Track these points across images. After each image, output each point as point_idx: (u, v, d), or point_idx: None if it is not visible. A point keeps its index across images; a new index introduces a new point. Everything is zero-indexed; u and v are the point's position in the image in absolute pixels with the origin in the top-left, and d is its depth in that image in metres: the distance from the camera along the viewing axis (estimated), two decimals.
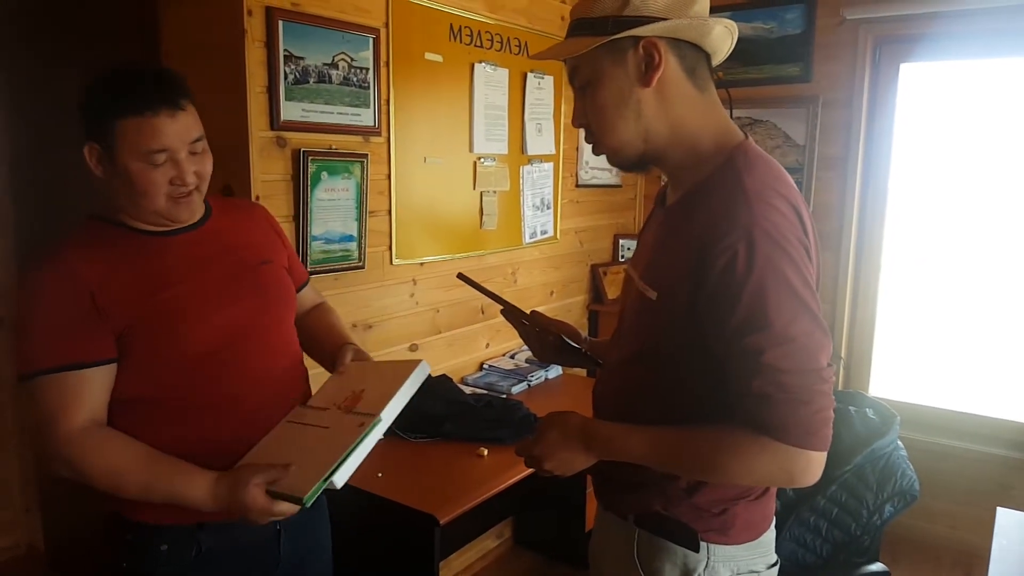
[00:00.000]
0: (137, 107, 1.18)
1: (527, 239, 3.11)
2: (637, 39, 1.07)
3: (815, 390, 0.98)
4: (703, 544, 1.14)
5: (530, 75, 2.99)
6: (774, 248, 0.98)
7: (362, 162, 2.31)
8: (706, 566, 1.14)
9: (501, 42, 2.84)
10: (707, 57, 1.13)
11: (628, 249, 3.69)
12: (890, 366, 3.37)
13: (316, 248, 2.22)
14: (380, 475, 2.00)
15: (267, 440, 1.33)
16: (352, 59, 2.26)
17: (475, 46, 2.72)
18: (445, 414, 2.29)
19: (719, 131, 1.12)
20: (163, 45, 2.18)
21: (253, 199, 2.02)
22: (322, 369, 1.52)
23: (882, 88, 3.19)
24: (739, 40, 1.15)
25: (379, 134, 2.39)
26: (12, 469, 2.81)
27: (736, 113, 3.31)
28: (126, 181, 1.22)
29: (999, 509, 1.89)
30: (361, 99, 2.30)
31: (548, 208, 3.20)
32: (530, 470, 1.22)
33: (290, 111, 2.10)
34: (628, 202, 3.83)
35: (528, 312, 1.43)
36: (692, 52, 1.10)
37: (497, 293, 1.43)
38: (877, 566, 2.22)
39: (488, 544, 3.11)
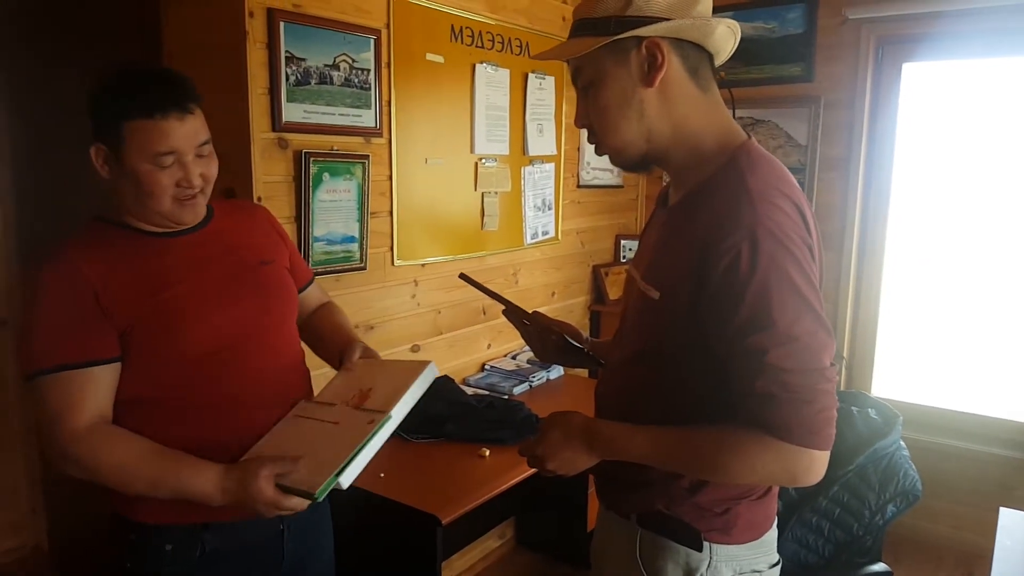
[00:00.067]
0: (146, 109, 1.19)
1: (528, 240, 3.11)
2: (640, 39, 1.06)
3: (818, 389, 0.98)
4: (705, 544, 1.14)
5: (531, 76, 2.99)
6: (777, 247, 0.98)
7: (363, 163, 2.32)
8: (708, 565, 1.14)
9: (502, 43, 2.84)
10: (710, 57, 1.12)
11: (630, 250, 3.69)
12: (892, 366, 3.36)
13: (318, 249, 2.22)
14: (382, 475, 2.01)
15: (274, 433, 1.32)
16: (353, 60, 2.26)
17: (476, 47, 2.72)
18: (447, 415, 2.30)
19: (722, 131, 1.12)
20: (164, 46, 2.18)
21: (255, 200, 2.02)
22: (326, 369, 1.52)
23: (884, 88, 3.18)
24: (740, 40, 1.15)
25: (380, 135, 2.39)
26: (18, 470, 2.82)
27: (738, 113, 3.29)
28: (132, 182, 1.23)
29: (1002, 509, 1.88)
30: (362, 100, 2.30)
31: (549, 209, 3.20)
32: (532, 470, 1.22)
33: (292, 112, 2.10)
34: (630, 203, 3.83)
35: (530, 312, 1.43)
36: (695, 52, 1.10)
37: (499, 293, 1.43)
38: (879, 566, 2.22)
39: (490, 544, 3.11)
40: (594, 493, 1.33)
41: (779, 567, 1.22)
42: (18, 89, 2.78)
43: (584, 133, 1.21)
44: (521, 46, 2.93)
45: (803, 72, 3.24)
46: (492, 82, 2.81)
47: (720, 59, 1.15)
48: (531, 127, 3.02)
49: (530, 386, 2.83)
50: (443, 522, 1.82)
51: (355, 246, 2.33)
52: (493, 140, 2.86)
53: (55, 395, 1.20)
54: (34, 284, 1.23)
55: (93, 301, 1.21)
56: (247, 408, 1.32)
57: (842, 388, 3.26)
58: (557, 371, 2.98)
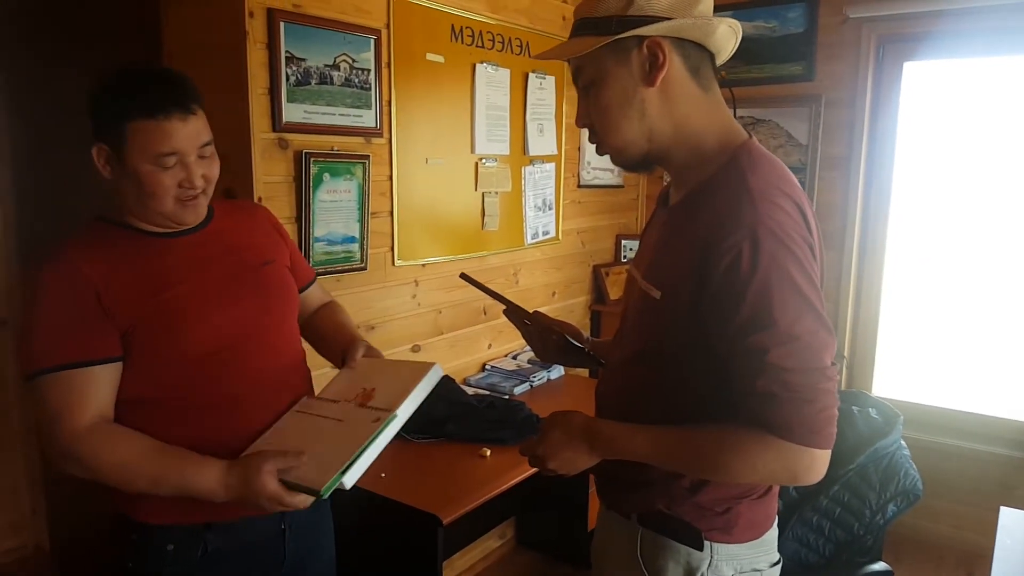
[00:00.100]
0: (149, 110, 1.19)
1: (529, 240, 3.11)
2: (641, 39, 1.06)
3: (819, 388, 0.98)
4: (706, 543, 1.14)
5: (531, 75, 2.99)
6: (779, 247, 0.98)
7: (364, 163, 2.31)
8: (709, 564, 1.14)
9: (502, 42, 2.84)
10: (711, 56, 1.12)
11: (630, 249, 3.69)
12: (893, 365, 3.36)
13: (318, 250, 2.22)
14: (383, 475, 2.01)
15: (276, 429, 1.32)
16: (353, 60, 2.26)
17: (476, 46, 2.72)
18: (448, 415, 2.30)
19: (723, 130, 1.12)
20: (164, 46, 2.18)
21: (255, 201, 2.02)
22: (327, 369, 1.52)
23: (885, 87, 3.18)
24: (741, 39, 1.15)
25: (381, 135, 2.39)
26: (18, 470, 2.82)
27: (738, 112, 3.30)
28: (134, 182, 1.23)
29: (1002, 509, 1.88)
30: (363, 100, 2.30)
31: (550, 209, 3.20)
32: (533, 470, 1.23)
33: (292, 113, 2.10)
34: (630, 202, 3.83)
35: (531, 312, 1.43)
36: (696, 52, 1.10)
37: (499, 293, 1.43)
38: (880, 565, 2.22)
39: (491, 544, 3.11)
40: (595, 493, 1.33)
41: (780, 566, 1.22)
42: (18, 89, 2.78)
43: (585, 133, 1.21)
44: (521, 46, 2.93)
45: (804, 71, 3.24)
46: (492, 82, 2.81)
47: (721, 58, 1.14)
48: (531, 127, 3.02)
49: (531, 386, 2.83)
50: (444, 522, 1.82)
51: (355, 246, 2.33)
52: (493, 140, 2.85)
53: (56, 394, 1.19)
54: (34, 284, 1.22)
55: (95, 301, 1.21)
56: (248, 408, 1.32)
57: (843, 387, 3.26)
58: (558, 371, 2.98)
